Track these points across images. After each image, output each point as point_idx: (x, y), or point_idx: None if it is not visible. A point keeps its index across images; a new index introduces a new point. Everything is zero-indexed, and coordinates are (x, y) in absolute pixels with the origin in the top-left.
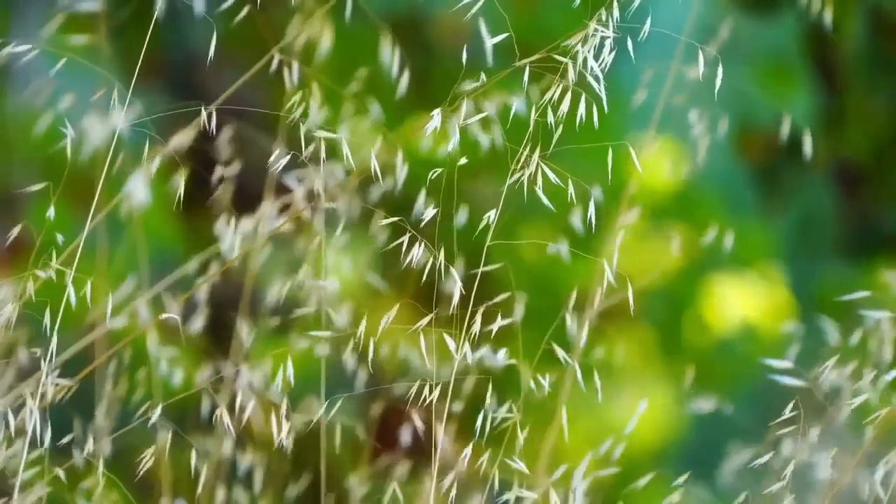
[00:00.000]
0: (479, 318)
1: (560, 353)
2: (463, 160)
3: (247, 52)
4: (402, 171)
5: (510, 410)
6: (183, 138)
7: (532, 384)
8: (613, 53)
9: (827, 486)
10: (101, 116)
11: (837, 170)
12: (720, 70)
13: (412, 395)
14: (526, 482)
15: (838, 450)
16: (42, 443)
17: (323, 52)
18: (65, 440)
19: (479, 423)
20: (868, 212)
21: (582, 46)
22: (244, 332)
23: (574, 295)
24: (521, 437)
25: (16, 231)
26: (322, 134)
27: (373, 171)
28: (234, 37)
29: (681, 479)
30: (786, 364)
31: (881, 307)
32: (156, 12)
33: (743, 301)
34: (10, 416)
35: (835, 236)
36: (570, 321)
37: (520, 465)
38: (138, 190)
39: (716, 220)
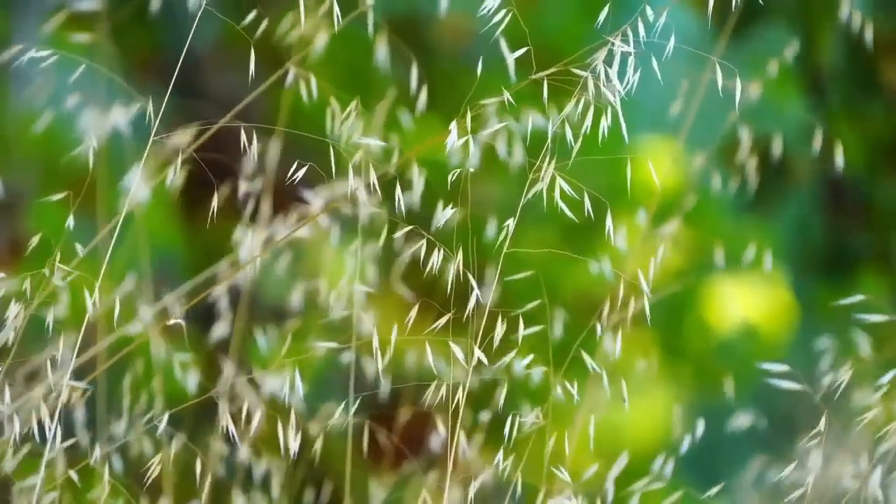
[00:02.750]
0: (498, 323)
1: (588, 360)
2: (473, 165)
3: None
4: (419, 180)
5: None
6: (184, 137)
7: (558, 391)
8: (638, 73)
9: (835, 490)
10: (102, 115)
11: (826, 181)
12: (738, 82)
13: (428, 399)
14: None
15: (844, 454)
16: (53, 446)
17: (330, 55)
18: (71, 443)
19: (506, 429)
20: (856, 224)
21: (603, 63)
22: (256, 337)
23: (594, 301)
24: (553, 443)
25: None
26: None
27: (372, 184)
28: (237, 37)
29: (712, 492)
30: (783, 367)
31: (874, 311)
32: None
33: (744, 302)
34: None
35: (822, 247)
36: (598, 328)
37: (563, 475)
38: (138, 187)
39: (716, 222)
